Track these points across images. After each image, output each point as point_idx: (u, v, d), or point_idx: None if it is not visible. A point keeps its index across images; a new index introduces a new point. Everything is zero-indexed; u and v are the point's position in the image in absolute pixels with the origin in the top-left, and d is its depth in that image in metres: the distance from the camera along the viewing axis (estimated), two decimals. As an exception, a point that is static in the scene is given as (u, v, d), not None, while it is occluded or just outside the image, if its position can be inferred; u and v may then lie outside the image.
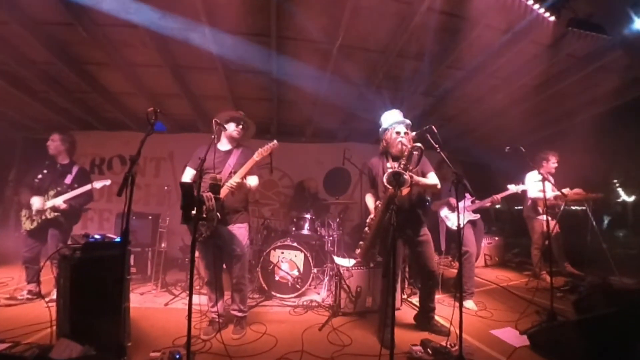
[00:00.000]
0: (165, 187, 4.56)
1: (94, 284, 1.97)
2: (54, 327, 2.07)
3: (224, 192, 2.42)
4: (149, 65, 3.80)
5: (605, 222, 5.16)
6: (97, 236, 2.32)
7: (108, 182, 3.42)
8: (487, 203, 3.61)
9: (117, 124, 5.57)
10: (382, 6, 2.95)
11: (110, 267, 1.97)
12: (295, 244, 3.67)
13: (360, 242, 2.64)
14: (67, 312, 1.97)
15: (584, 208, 3.92)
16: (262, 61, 3.68)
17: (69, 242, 2.69)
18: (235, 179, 2.43)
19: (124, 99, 4.79)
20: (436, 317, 2.74)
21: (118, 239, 2.40)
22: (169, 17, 2.89)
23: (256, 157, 2.48)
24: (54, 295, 2.66)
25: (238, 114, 2.75)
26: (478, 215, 3.57)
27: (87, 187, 3.29)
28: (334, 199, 4.93)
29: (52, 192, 3.24)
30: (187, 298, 1.82)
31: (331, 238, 4.12)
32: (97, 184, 3.34)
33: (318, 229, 4.16)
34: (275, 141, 2.53)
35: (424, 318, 2.74)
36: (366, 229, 2.60)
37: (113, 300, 1.83)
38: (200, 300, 3.00)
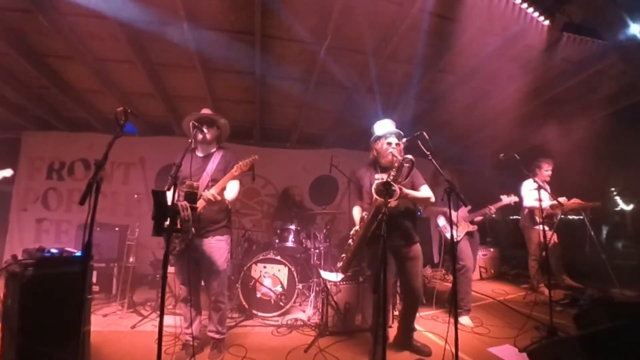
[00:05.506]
0: (135, 196, 4.41)
1: (48, 306, 1.88)
2: (-3, 357, 1.94)
3: (199, 204, 2.34)
4: (120, 61, 3.70)
5: (604, 232, 5.33)
6: (53, 250, 2.24)
7: (9, 173, 3.07)
8: (480, 215, 3.65)
9: (81, 124, 5.35)
10: (372, 6, 2.99)
11: (69, 285, 1.89)
12: (278, 258, 3.62)
13: (343, 255, 2.64)
14: (13, 339, 1.85)
15: (581, 217, 4.04)
16: (245, 60, 3.66)
17: (20, 257, 2.52)
18: (211, 192, 2.36)
19: (90, 97, 4.62)
20: (428, 335, 2.74)
21: (79, 254, 2.32)
22: (144, 9, 2.83)
23: (235, 172, 2.43)
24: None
25: (206, 116, 2.67)
26: (475, 227, 3.61)
27: None
28: (320, 208, 4.90)
29: None
30: (158, 319, 1.73)
31: (317, 251, 4.08)
32: None
33: (303, 241, 4.10)
34: (256, 156, 2.48)
35: (404, 337, 2.76)
36: (349, 241, 2.60)
37: (70, 324, 1.72)
38: (173, 321, 2.86)
